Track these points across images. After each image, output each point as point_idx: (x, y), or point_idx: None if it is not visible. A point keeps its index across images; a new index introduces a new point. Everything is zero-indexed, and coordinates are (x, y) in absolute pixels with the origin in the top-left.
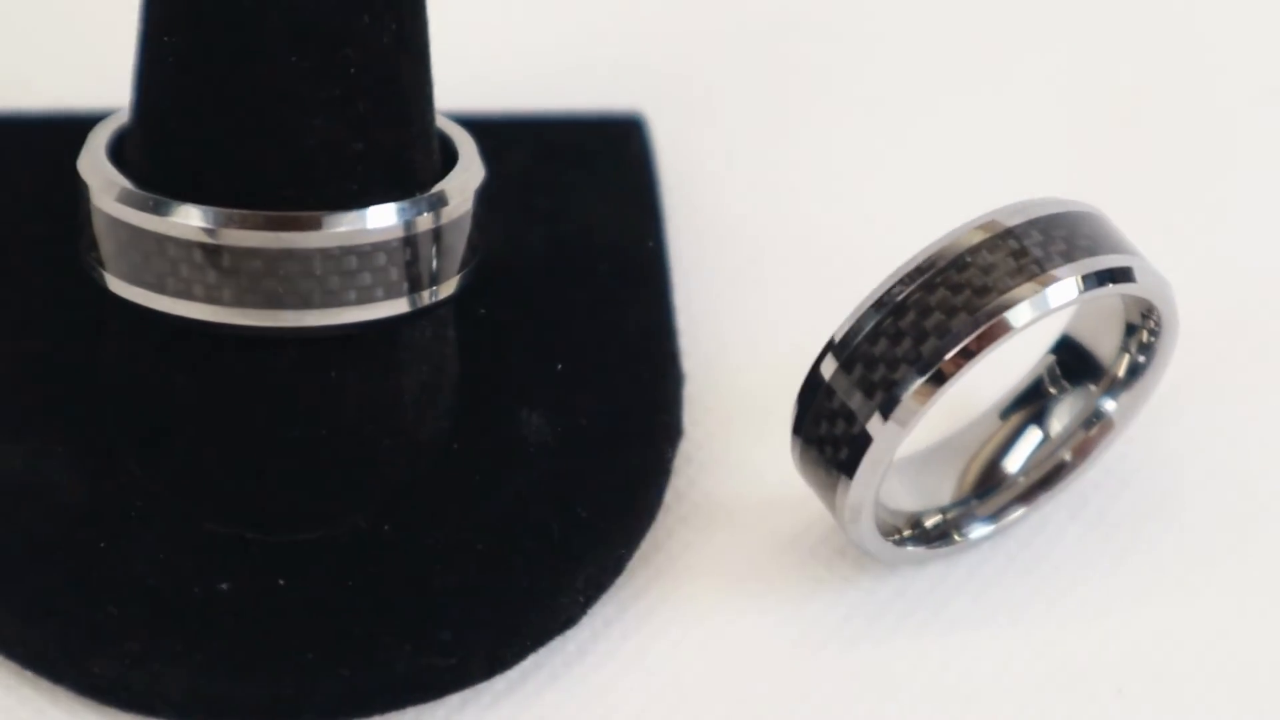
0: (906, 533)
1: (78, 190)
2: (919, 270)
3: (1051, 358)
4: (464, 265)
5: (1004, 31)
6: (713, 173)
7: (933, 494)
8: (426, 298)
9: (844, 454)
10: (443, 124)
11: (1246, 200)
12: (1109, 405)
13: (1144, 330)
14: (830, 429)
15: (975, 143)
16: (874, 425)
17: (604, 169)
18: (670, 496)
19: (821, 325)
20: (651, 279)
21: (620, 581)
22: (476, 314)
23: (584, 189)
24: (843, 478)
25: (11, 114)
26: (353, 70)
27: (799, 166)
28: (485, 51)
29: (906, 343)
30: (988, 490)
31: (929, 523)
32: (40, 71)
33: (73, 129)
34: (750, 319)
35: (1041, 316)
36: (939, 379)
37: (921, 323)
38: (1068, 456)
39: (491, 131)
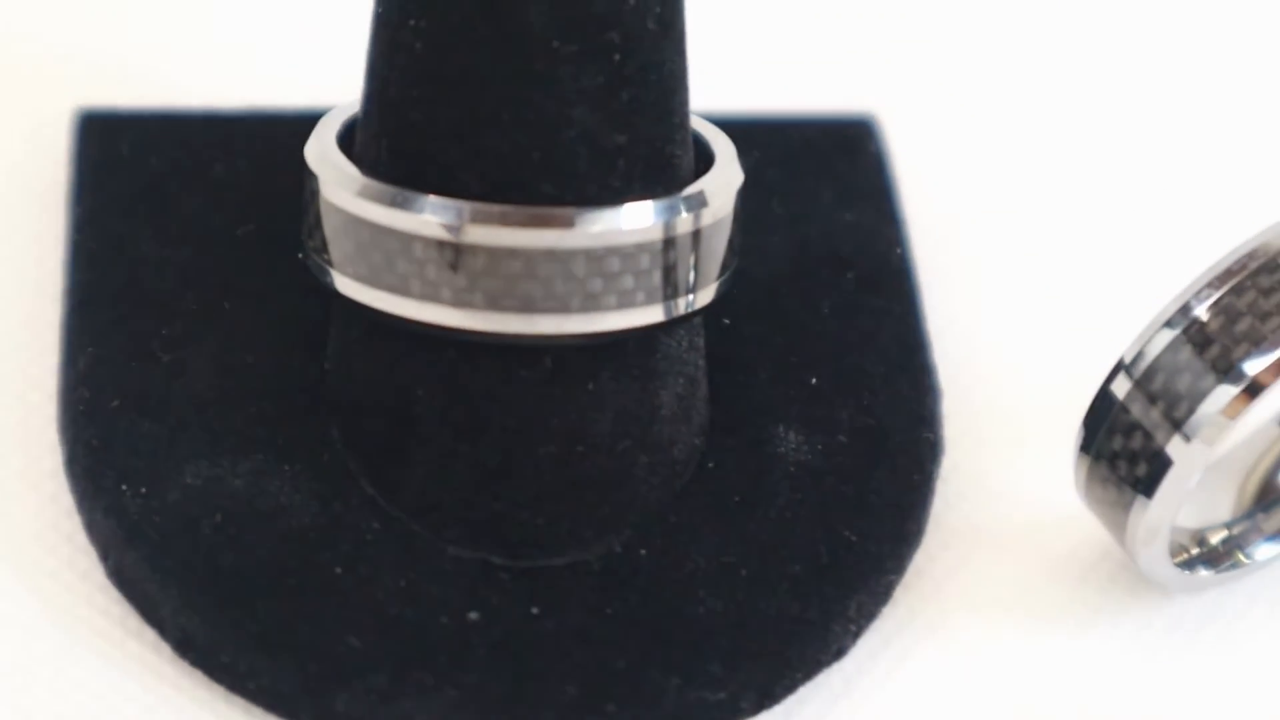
0: (1194, 551)
1: (304, 185)
2: (1228, 274)
3: None
4: (723, 271)
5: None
6: (950, 175)
7: (1213, 511)
8: (684, 305)
9: (1141, 471)
10: (696, 122)
11: None
12: None
13: None
14: (1126, 444)
15: (1248, 141)
16: (1175, 445)
17: (841, 173)
18: (931, 521)
19: (1078, 330)
20: (900, 288)
21: (884, 611)
22: (720, 325)
23: (821, 194)
24: (1139, 497)
25: (211, 112)
26: (616, 57)
27: (1037, 166)
28: (707, 50)
29: (1215, 349)
30: (1270, 505)
31: (1214, 539)
32: (236, 70)
33: (277, 126)
34: (1000, 328)
35: None
36: (1253, 391)
37: (1231, 329)
38: None
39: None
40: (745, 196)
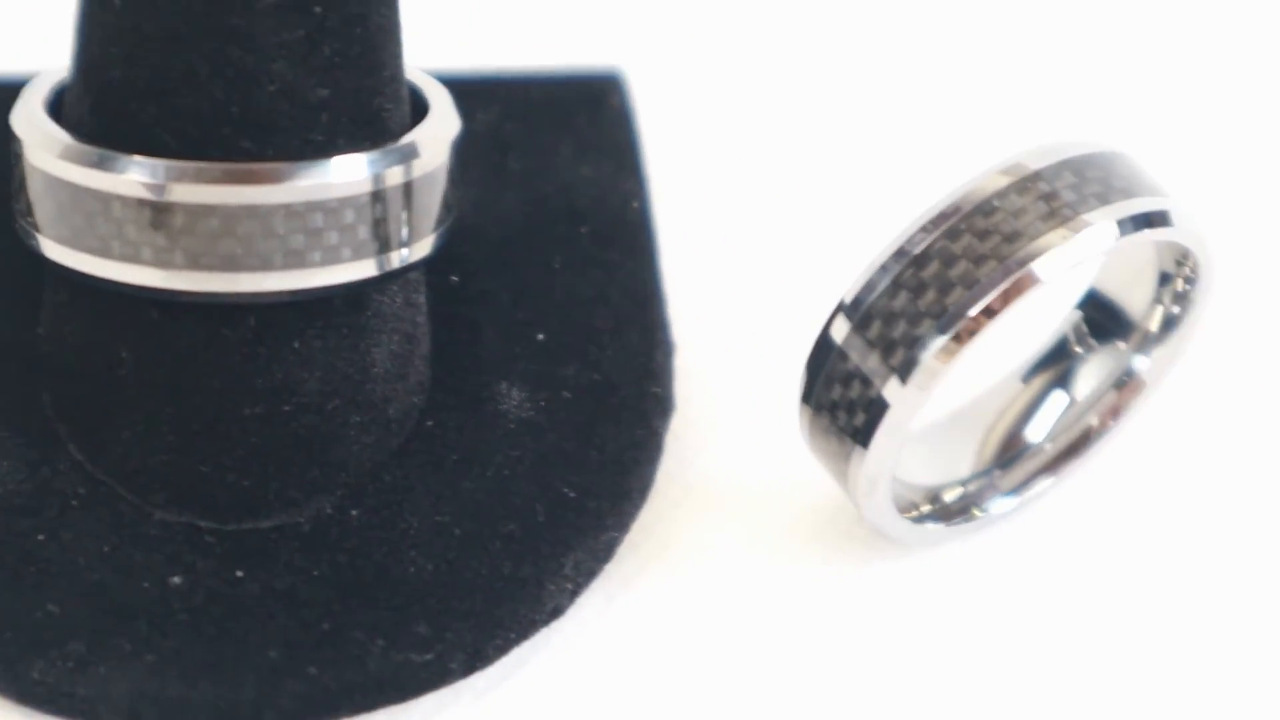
0: (925, 508)
1: (10, 149)
2: (942, 217)
3: (1077, 314)
4: (438, 225)
5: None
6: (697, 131)
7: (951, 466)
8: (397, 260)
9: (859, 420)
10: (413, 75)
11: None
12: (1141, 363)
13: (1179, 279)
14: (844, 394)
15: (981, 86)
16: (892, 389)
17: (582, 129)
18: (661, 477)
19: (819, 287)
20: (637, 242)
21: (608, 569)
22: (449, 283)
23: (562, 150)
24: (857, 447)
25: None
26: (318, 10)
27: (788, 121)
28: (454, 7)
29: (930, 295)
30: (1010, 460)
31: (948, 497)
32: None
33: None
34: (743, 284)
35: (1077, 263)
36: (965, 335)
37: (946, 273)
38: (1096, 421)
39: (461, 91)
40: (479, 153)
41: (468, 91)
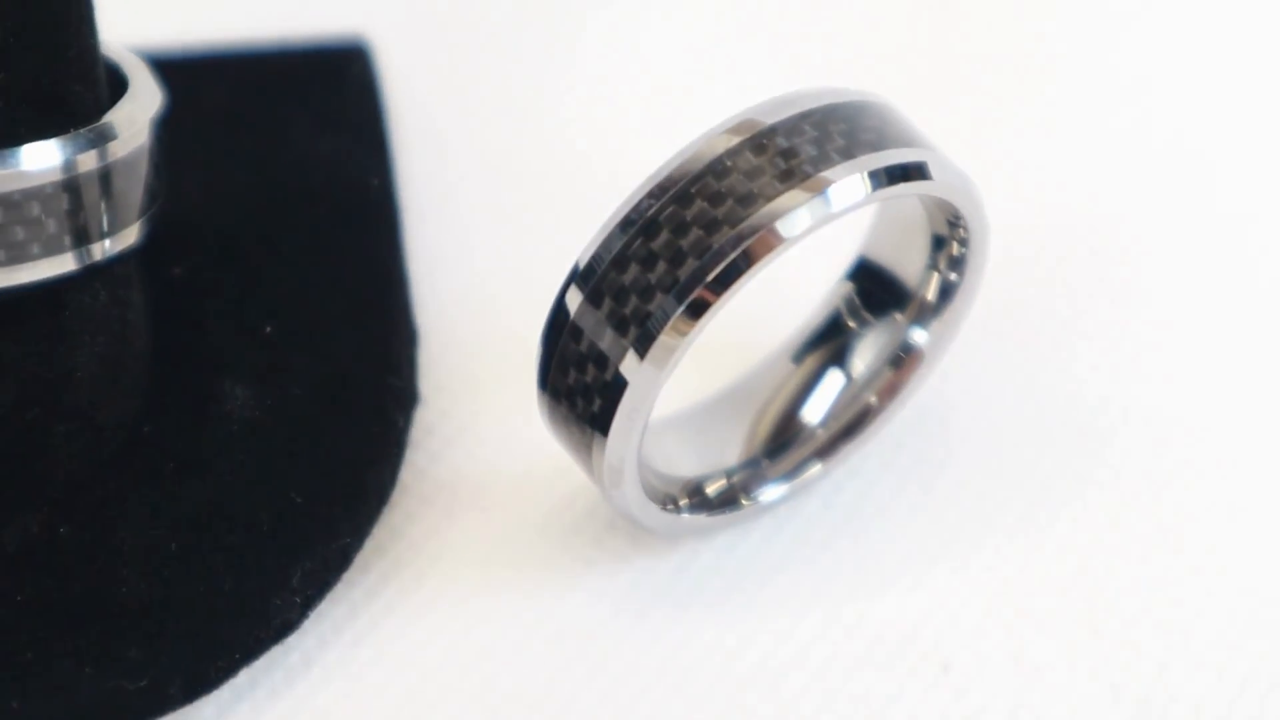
0: (683, 501)
1: None
2: (670, 181)
3: (849, 285)
4: (143, 212)
5: None
6: (445, 102)
7: (716, 456)
8: (98, 252)
9: (596, 406)
10: (112, 51)
11: (1057, 97)
12: (919, 336)
13: (953, 242)
14: (580, 378)
15: (736, 44)
16: (628, 367)
17: (322, 103)
18: (408, 474)
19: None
20: (378, 221)
21: (350, 577)
22: (170, 276)
23: (298, 126)
24: (597, 435)
25: None
26: None
27: (541, 89)
28: None
29: (661, 266)
30: (782, 446)
31: (711, 489)
32: None
33: None
34: (494, 265)
35: (820, 224)
36: (700, 307)
37: (677, 242)
38: (874, 400)
39: (187, 69)
40: (206, 135)
41: (195, 69)
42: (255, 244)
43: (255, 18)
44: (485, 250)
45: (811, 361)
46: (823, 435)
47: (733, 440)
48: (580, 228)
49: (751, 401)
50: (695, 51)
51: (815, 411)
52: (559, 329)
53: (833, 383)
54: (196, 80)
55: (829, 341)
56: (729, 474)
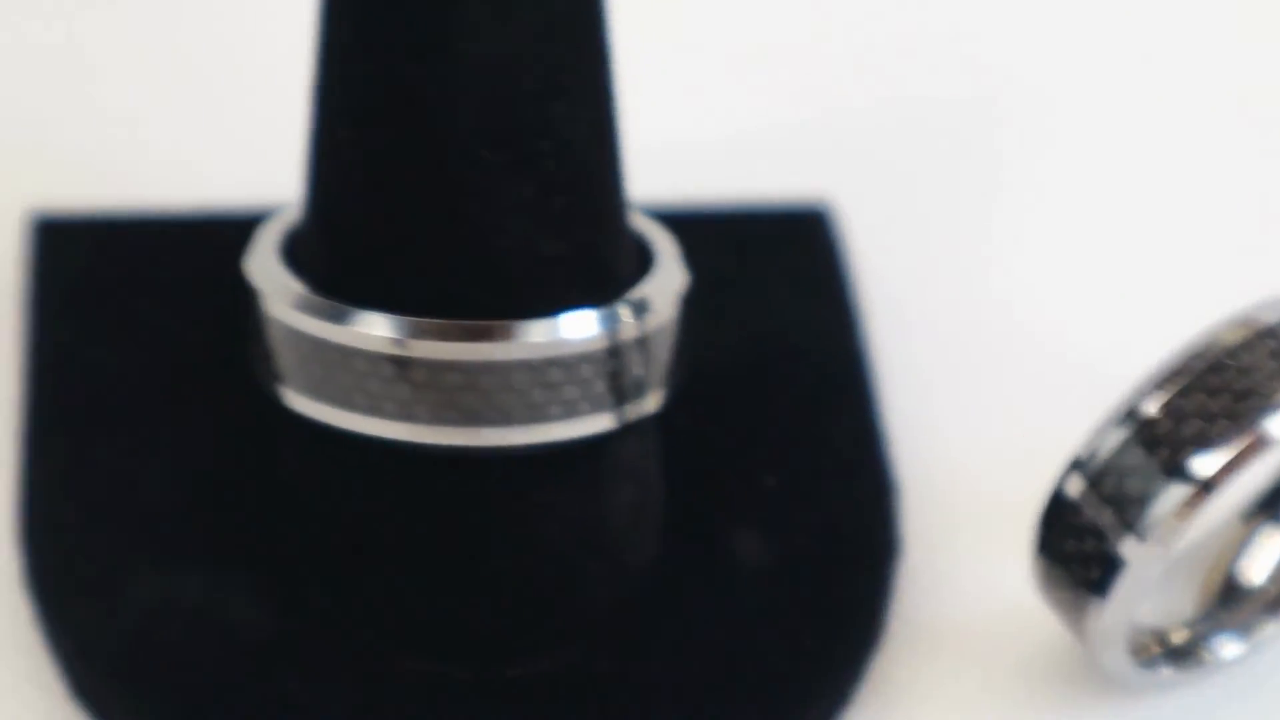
0: (1155, 650)
1: (247, 295)
2: (1175, 374)
3: None
4: (671, 376)
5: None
6: (910, 266)
7: (1175, 608)
8: (631, 412)
9: (1095, 574)
10: (638, 220)
11: None
12: None
13: None
14: (1079, 547)
15: (1186, 222)
16: (1130, 547)
17: (792, 265)
18: (892, 622)
19: (1042, 425)
20: (855, 383)
21: (845, 717)
22: (677, 425)
23: (773, 287)
24: (1094, 600)
25: (166, 215)
26: (549, 165)
27: (1004, 257)
28: (653, 139)
29: (1164, 452)
30: (1233, 602)
31: (1176, 639)
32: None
33: (230, 227)
34: (964, 423)
35: None
36: (1204, 492)
37: (1179, 430)
38: None
39: (669, 224)
40: (694, 294)
41: (673, 225)
42: (746, 399)
43: (717, 179)
44: (952, 411)
45: (1260, 520)
46: (1273, 593)
47: (1188, 594)
48: (1037, 391)
49: (1205, 557)
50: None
51: (1262, 570)
52: (1060, 502)
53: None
54: (680, 235)
55: (1277, 503)
56: (1190, 625)
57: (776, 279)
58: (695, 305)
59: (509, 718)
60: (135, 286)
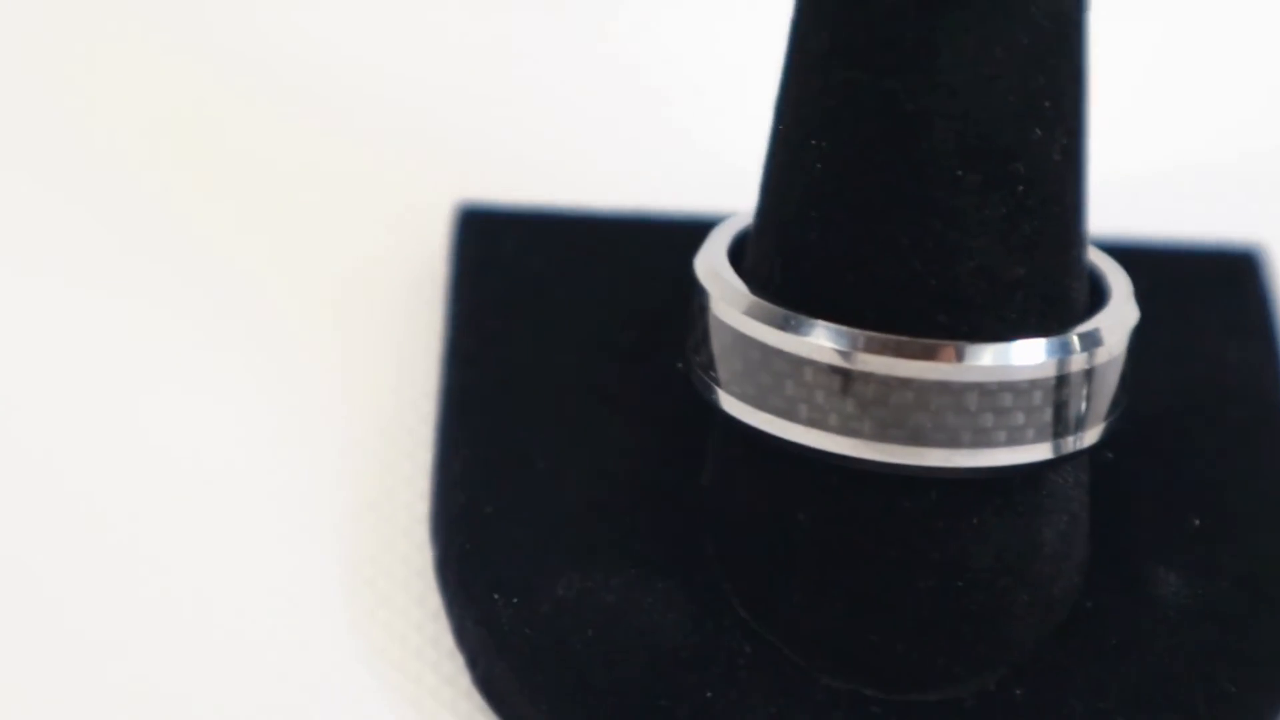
0: None
1: (692, 299)
2: None
3: None
4: (1113, 410)
5: None
6: None
7: None
8: (1072, 443)
9: None
10: (1092, 254)
11: None
12: None
13: None
14: None
15: None
16: None
17: (1224, 307)
18: None
19: None
20: None
21: None
22: (1104, 458)
23: (1205, 328)
24: None
25: (588, 212)
26: (1021, 188)
27: None
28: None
29: None
30: None
31: None
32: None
33: (660, 231)
34: None
35: None
36: None
37: None
38: None
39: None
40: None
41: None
42: (1175, 436)
43: (1151, 216)
44: None
45: None
46: None
47: None
48: None
49: None
50: None
51: None
52: None
53: None
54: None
55: None
56: None
57: (1207, 319)
58: (1133, 337)
59: None
60: (561, 281)
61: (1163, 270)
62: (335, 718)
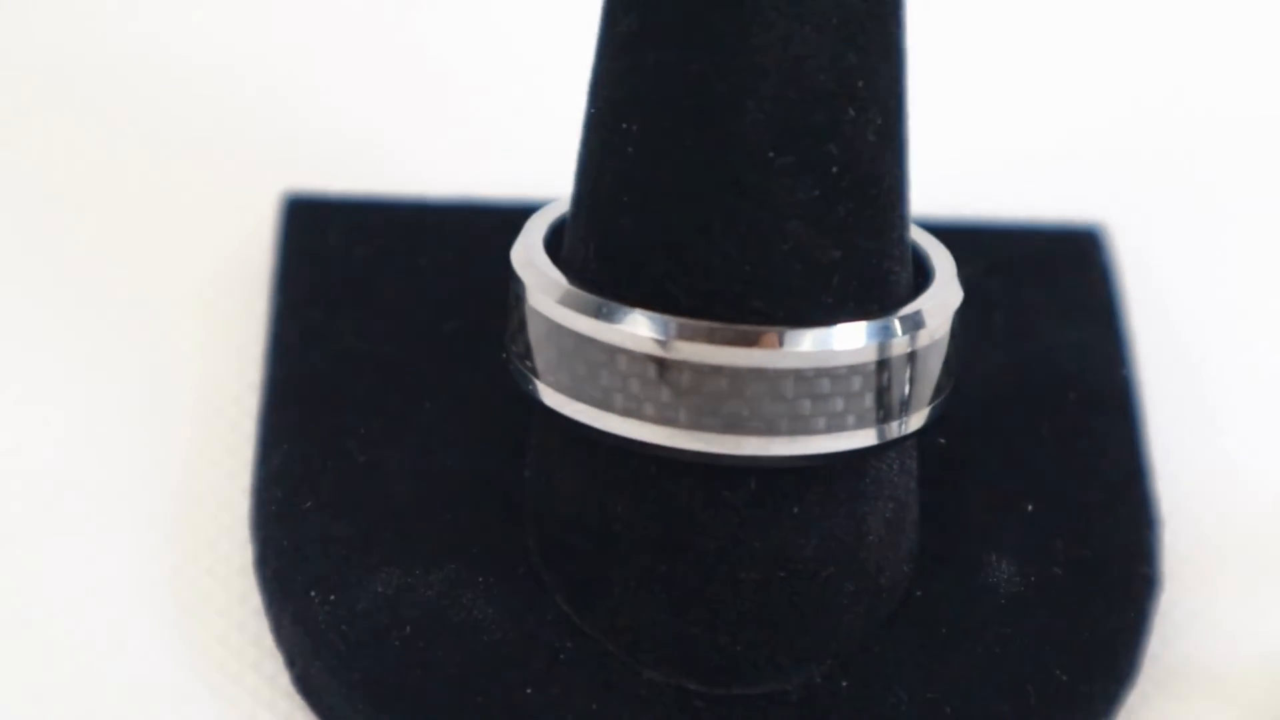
0: None
1: (510, 288)
2: None
3: None
4: (938, 394)
5: None
6: (1182, 290)
7: None
8: (896, 429)
9: None
10: (914, 233)
11: None
12: None
13: None
14: None
15: None
16: None
17: (1063, 289)
18: (1146, 660)
19: None
20: (1123, 411)
21: None
22: (935, 445)
23: (1043, 308)
24: None
25: (416, 200)
26: (834, 170)
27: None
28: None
29: None
30: None
31: None
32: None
33: (486, 217)
34: (1232, 456)
35: None
36: None
37: None
38: None
39: (941, 239)
40: (964, 311)
41: (945, 238)
42: (1012, 422)
43: (991, 197)
44: (1219, 443)
45: None
46: None
47: None
48: None
49: None
50: None
51: None
52: None
53: None
54: (951, 251)
55: None
56: None
57: (1049, 300)
58: (970, 319)
59: None
60: (386, 270)
61: (1004, 250)
62: (154, 718)
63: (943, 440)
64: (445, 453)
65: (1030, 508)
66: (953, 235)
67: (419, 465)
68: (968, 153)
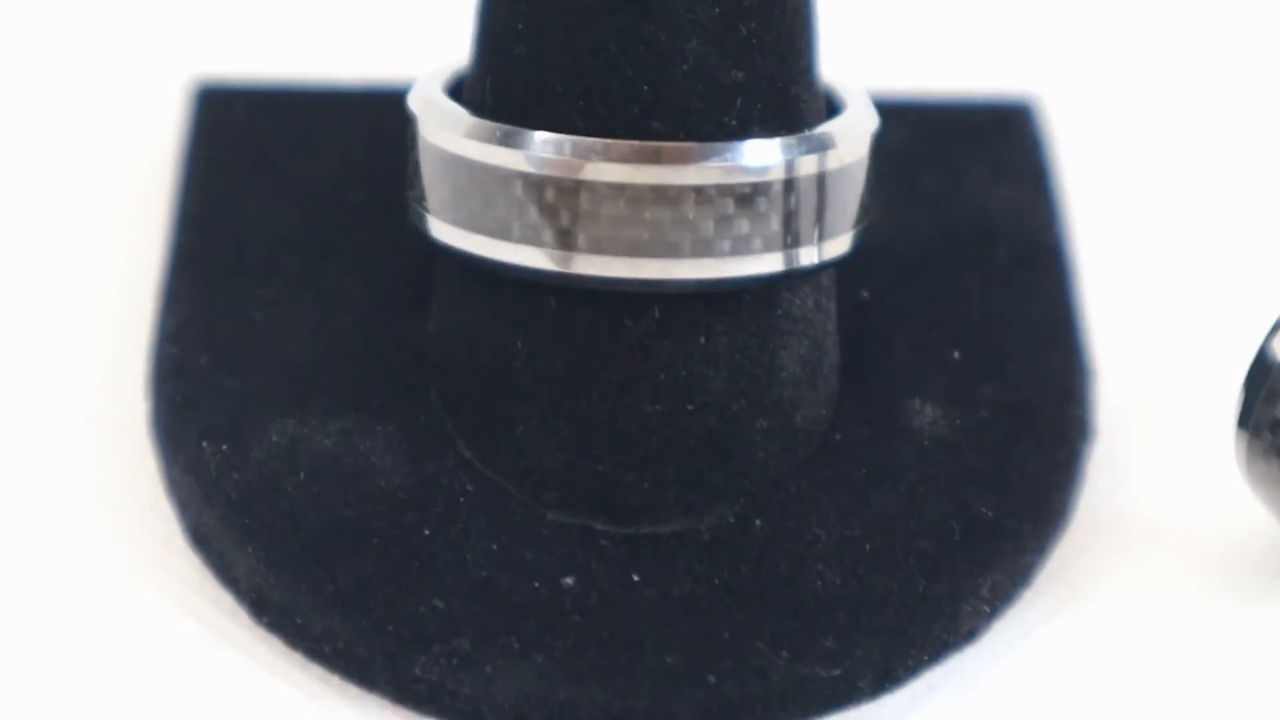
0: None
1: (406, 133)
2: None
3: None
4: (854, 224)
5: None
6: (1114, 160)
7: None
8: (810, 257)
9: None
10: (832, 82)
11: None
12: None
13: None
14: None
15: None
16: None
17: (994, 154)
18: (1080, 507)
19: (1244, 318)
20: (1053, 265)
21: (1027, 598)
22: (859, 298)
23: (973, 173)
24: None
25: (329, 86)
26: None
27: (1203, 151)
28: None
29: None
30: None
31: None
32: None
33: (395, 100)
34: (1161, 313)
35: None
36: None
37: None
38: None
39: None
40: (890, 173)
41: (882, 113)
42: (939, 276)
43: (928, 77)
44: (1151, 303)
45: None
46: None
47: None
48: (1238, 286)
49: None
50: None
51: None
52: (1266, 364)
53: None
54: (882, 122)
55: None
56: None
57: (980, 164)
58: (895, 184)
59: (655, 578)
60: (292, 151)
61: (935, 120)
62: (53, 582)
63: (865, 293)
64: (347, 311)
65: (957, 355)
66: (882, 108)
67: (320, 323)
68: (902, 29)
